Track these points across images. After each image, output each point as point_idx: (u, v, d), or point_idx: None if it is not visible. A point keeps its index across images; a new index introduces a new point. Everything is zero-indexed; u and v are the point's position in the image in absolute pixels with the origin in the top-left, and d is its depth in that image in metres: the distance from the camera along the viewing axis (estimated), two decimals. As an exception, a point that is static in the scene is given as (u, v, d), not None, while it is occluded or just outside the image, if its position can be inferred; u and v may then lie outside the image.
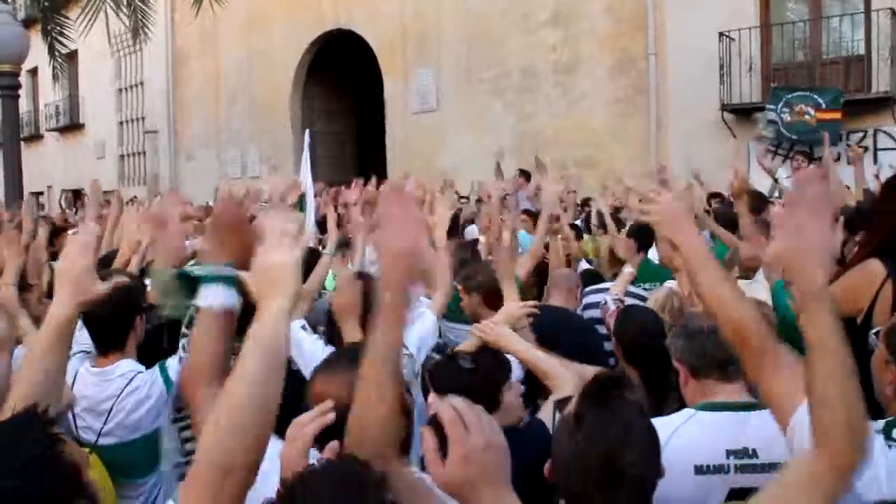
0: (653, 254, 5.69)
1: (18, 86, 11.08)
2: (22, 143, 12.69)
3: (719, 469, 2.49)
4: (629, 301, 4.45)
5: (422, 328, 3.69)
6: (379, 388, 1.70)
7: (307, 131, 8.26)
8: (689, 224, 2.36)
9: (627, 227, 6.14)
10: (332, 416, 1.72)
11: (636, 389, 2.69)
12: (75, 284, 2.09)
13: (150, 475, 3.30)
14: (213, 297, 1.96)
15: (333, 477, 1.37)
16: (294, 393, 1.96)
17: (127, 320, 3.24)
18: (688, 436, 2.52)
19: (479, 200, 9.77)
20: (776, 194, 8.59)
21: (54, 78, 15.87)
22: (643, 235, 5.57)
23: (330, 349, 3.45)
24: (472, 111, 15.93)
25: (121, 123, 26.12)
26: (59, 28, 14.00)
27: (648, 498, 1.80)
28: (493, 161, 10.38)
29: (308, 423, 1.75)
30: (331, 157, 19.71)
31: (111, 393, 3.12)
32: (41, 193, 22.59)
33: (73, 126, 28.45)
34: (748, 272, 4.86)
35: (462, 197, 10.55)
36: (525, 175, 9.97)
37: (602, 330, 4.27)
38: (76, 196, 21.00)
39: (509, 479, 1.48)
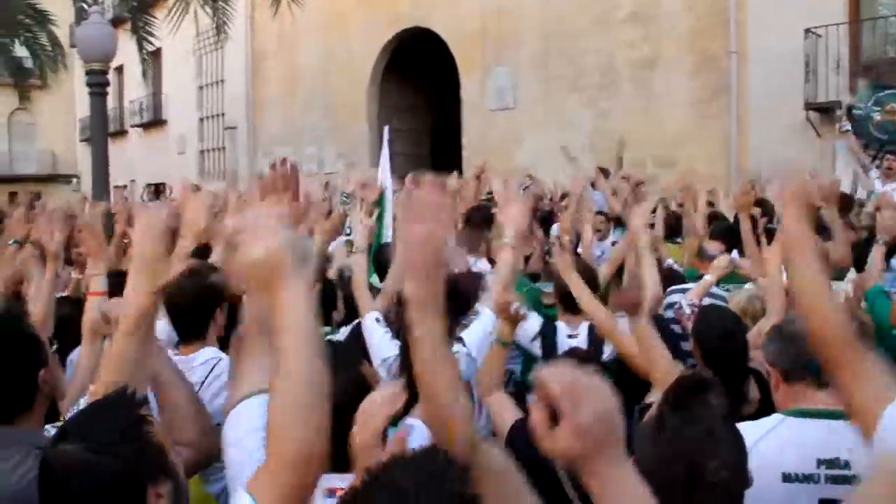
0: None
1: (107, 83, 11.36)
2: (108, 138, 13.06)
3: (808, 478, 2.42)
4: (707, 302, 4.36)
5: (480, 328, 3.65)
6: (430, 386, 1.66)
7: (386, 128, 8.25)
8: (797, 207, 2.25)
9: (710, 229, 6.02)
10: (405, 397, 1.68)
11: (721, 394, 2.63)
12: (150, 270, 2.11)
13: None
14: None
15: (417, 466, 1.35)
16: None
17: (208, 310, 3.31)
18: (776, 441, 2.45)
19: (562, 197, 9.71)
20: (864, 193, 8.32)
21: (144, 76, 16.30)
22: (729, 236, 5.46)
23: (395, 343, 3.47)
24: (550, 109, 15.82)
25: (201, 120, 26.72)
26: (146, 27, 14.37)
27: None
28: (569, 159, 10.26)
29: (382, 403, 1.70)
30: (407, 154, 19.77)
31: (195, 380, 3.16)
32: (124, 187, 23.19)
33: (155, 122, 29.26)
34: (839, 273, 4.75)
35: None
36: (604, 173, 9.83)
37: (677, 329, 4.20)
38: (158, 190, 21.51)
39: (622, 444, 1.41)
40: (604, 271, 5.20)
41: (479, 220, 5.98)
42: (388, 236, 5.98)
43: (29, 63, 19.75)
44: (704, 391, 1.87)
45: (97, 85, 11.00)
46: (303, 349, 1.60)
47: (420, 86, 20.50)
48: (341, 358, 1.84)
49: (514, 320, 3.40)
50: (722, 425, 1.81)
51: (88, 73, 10.80)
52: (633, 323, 3.31)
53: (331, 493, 1.85)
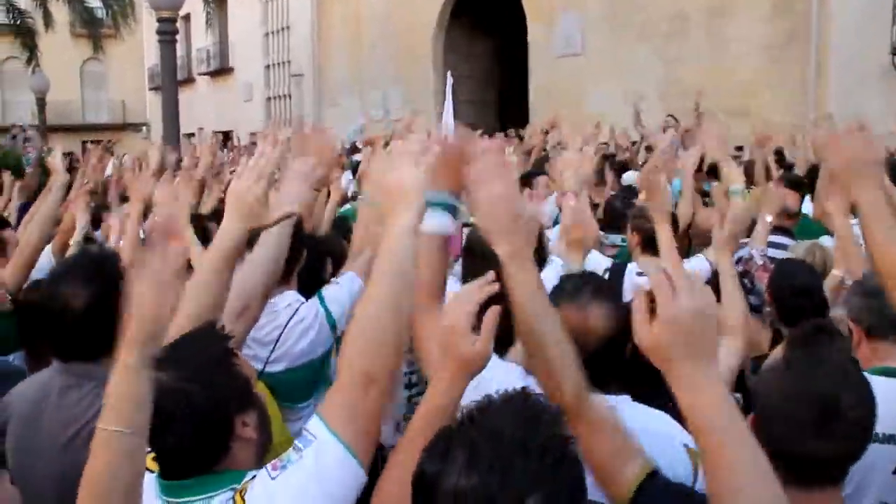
0: (807, 207, 5.42)
1: (176, 31, 11.46)
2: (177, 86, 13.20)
3: (889, 439, 2.36)
4: (771, 253, 4.27)
5: (553, 275, 3.62)
6: (538, 337, 1.71)
7: (448, 74, 8.18)
8: (871, 170, 2.22)
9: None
10: (496, 287, 1.66)
11: (844, 339, 2.57)
12: (246, 209, 2.14)
13: (309, 399, 3.44)
14: (432, 223, 1.96)
15: (513, 409, 1.35)
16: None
17: (293, 254, 3.35)
18: (859, 400, 2.39)
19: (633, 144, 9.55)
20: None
21: (207, 24, 16.41)
22: (800, 186, 5.31)
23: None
24: (618, 56, 15.49)
25: (267, 67, 26.86)
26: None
27: (864, 447, 1.73)
28: (636, 120, 10.07)
29: (473, 290, 1.67)
30: (473, 101, 19.64)
31: (278, 323, 3.23)
32: (192, 135, 23.51)
33: (222, 70, 29.50)
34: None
35: (603, 143, 10.31)
36: (675, 121, 9.63)
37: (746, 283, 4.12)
38: (226, 138, 21.76)
39: (715, 353, 1.41)
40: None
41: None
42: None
43: (101, 13, 20.05)
44: (830, 335, 1.84)
45: (167, 33, 11.12)
46: (394, 278, 1.67)
47: (486, 31, 20.25)
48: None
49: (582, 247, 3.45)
50: (851, 365, 1.78)
51: (159, 20, 10.91)
52: (717, 255, 3.20)
53: None
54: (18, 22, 19.38)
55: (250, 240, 2.31)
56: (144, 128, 35.66)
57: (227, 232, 2.15)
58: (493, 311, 1.60)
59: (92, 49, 21.99)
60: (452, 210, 2.03)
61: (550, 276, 3.54)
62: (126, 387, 1.68)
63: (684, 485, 1.80)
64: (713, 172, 5.86)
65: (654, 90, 14.54)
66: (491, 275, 1.65)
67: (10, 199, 6.80)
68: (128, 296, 1.66)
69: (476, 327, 1.63)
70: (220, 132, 24.22)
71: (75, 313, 2.40)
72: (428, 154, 1.80)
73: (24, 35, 19.39)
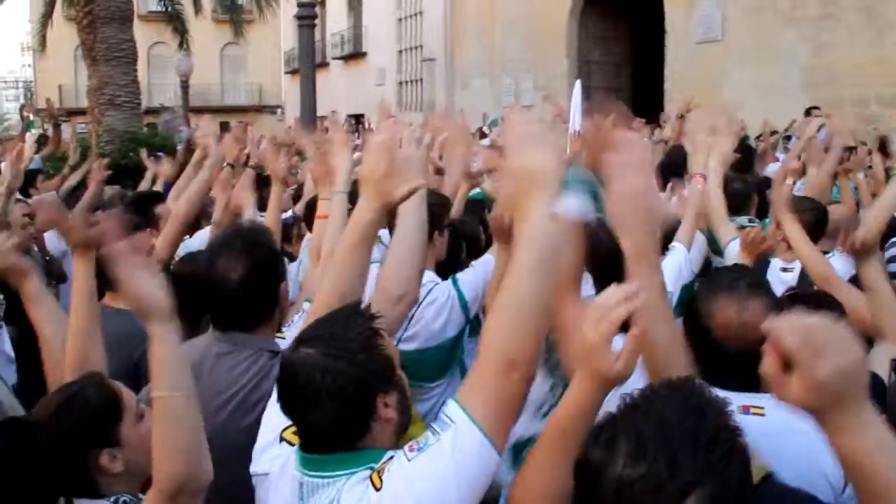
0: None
1: (315, 16, 11.73)
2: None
3: None
4: None
5: (674, 265, 3.52)
6: (651, 344, 1.68)
7: (577, 83, 8.04)
8: None
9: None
10: (640, 301, 1.56)
11: None
12: (376, 188, 2.16)
13: (439, 380, 3.49)
14: (572, 206, 1.93)
15: (679, 397, 1.33)
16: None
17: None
18: None
19: (758, 137, 9.18)
20: None
21: (351, 8, 16.67)
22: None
23: None
24: (760, 41, 14.87)
25: (400, 52, 27.16)
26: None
27: None
28: (779, 95, 9.64)
29: (618, 302, 1.56)
30: (606, 87, 19.32)
31: None
32: (325, 117, 24.06)
33: (356, 54, 30.03)
34: None
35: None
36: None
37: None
38: (358, 121, 22.17)
39: (867, 394, 1.29)
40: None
41: None
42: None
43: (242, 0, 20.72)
44: None
45: (306, 17, 11.37)
46: (536, 264, 1.64)
47: (622, 15, 19.84)
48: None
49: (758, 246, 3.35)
50: None
51: (299, 5, 11.18)
52: (861, 266, 3.05)
53: None
54: (170, 9, 20.28)
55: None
56: (279, 110, 36.74)
57: (361, 211, 2.19)
58: (638, 332, 1.52)
59: (232, 34, 22.75)
60: (593, 193, 2.00)
61: (671, 263, 3.46)
62: (162, 355, 1.83)
63: (802, 491, 1.71)
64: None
65: (799, 77, 13.92)
66: (636, 286, 1.57)
67: (154, 177, 7.09)
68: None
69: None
70: (352, 116, 24.75)
71: (233, 285, 2.49)
72: (559, 137, 1.77)
73: (175, 21, 20.27)
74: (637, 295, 1.54)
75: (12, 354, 3.90)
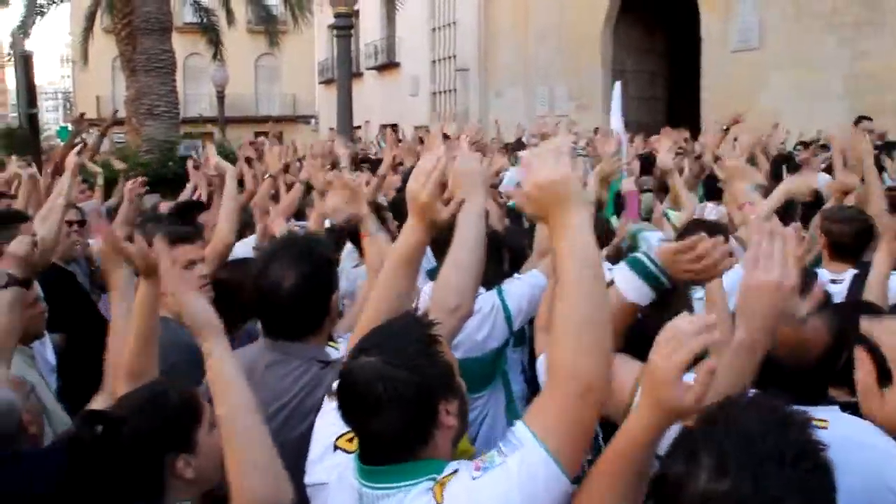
0: None
1: (351, 26, 11.79)
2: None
3: None
4: None
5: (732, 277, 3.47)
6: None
7: (617, 84, 8.00)
8: None
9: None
10: (717, 336, 1.50)
11: None
12: (423, 209, 2.15)
13: (482, 391, 3.45)
14: (631, 284, 1.97)
15: (762, 411, 1.30)
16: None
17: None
18: None
19: (803, 144, 9.06)
20: None
21: (384, 18, 16.74)
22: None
23: None
24: (800, 49, 14.72)
25: (433, 62, 27.23)
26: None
27: None
28: (819, 103, 9.52)
29: (693, 333, 1.49)
30: (641, 97, 19.22)
31: None
32: (359, 127, 24.16)
33: (389, 65, 30.15)
34: None
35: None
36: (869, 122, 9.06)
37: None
38: (393, 130, 22.23)
39: None
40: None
41: None
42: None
43: (277, 11, 20.89)
44: None
45: (343, 28, 11.43)
46: (584, 276, 1.61)
47: (657, 24, 19.77)
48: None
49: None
50: None
51: (336, 15, 11.23)
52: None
53: None
54: (204, 20, 20.51)
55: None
56: (313, 120, 36.94)
57: (407, 232, 2.19)
58: (711, 367, 1.46)
59: (267, 45, 22.93)
60: (654, 281, 1.99)
61: (730, 278, 3.39)
62: (221, 371, 1.87)
63: None
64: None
65: (841, 85, 13.75)
66: (712, 319, 1.51)
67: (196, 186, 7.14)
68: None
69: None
70: (386, 125, 24.80)
71: (285, 293, 2.47)
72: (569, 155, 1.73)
73: (210, 32, 20.50)
74: (714, 327, 1.49)
75: (54, 362, 3.92)
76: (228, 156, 13.06)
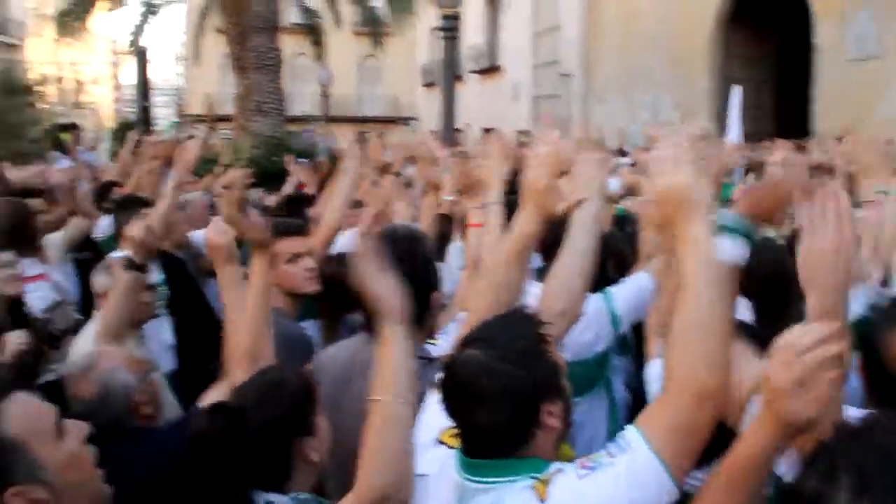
0: None
1: (456, 28, 11.83)
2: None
3: None
4: None
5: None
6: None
7: (737, 89, 7.77)
8: None
9: None
10: (843, 347, 1.44)
11: None
12: (538, 200, 2.15)
13: (584, 396, 3.36)
14: (727, 249, 1.86)
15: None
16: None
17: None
18: None
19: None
20: None
21: (488, 22, 16.72)
22: None
23: None
24: (921, 58, 14.11)
25: (535, 66, 27.13)
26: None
27: None
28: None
29: (812, 346, 1.42)
30: (748, 107, 18.67)
31: None
32: (459, 130, 24.27)
33: (491, 69, 30.19)
34: None
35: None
36: None
37: None
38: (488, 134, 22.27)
39: None
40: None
41: None
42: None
43: (382, 13, 21.10)
44: None
45: (448, 30, 11.48)
46: (707, 285, 1.58)
47: (767, 33, 19.19)
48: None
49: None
50: None
51: (443, 17, 11.29)
52: None
53: None
54: (310, 21, 20.94)
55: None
56: (413, 122, 37.30)
57: (522, 222, 2.18)
58: (837, 377, 1.41)
59: (372, 46, 23.26)
60: (747, 236, 1.91)
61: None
62: (386, 357, 1.88)
63: None
64: None
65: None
66: (835, 327, 1.45)
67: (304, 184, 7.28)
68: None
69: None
70: (487, 129, 24.84)
71: None
72: (699, 158, 1.70)
73: (314, 33, 20.92)
74: (840, 336, 1.43)
75: (172, 341, 4.06)
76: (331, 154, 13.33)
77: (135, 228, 3.22)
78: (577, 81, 24.34)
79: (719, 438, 1.59)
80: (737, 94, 7.39)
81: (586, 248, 2.26)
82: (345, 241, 4.19)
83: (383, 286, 1.92)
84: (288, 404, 2.03)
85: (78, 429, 1.53)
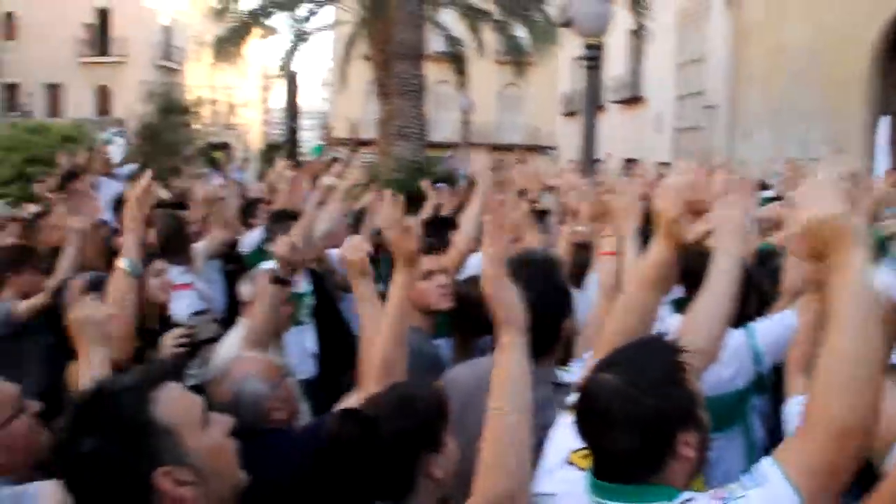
0: None
1: (599, 58, 11.73)
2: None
3: None
4: None
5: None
6: None
7: (885, 119, 7.42)
8: None
9: None
10: None
11: None
12: (669, 228, 2.12)
13: (721, 433, 3.20)
14: (886, 283, 1.81)
15: None
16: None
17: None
18: None
19: None
20: None
21: (631, 52, 16.55)
22: None
23: None
24: None
25: (679, 98, 26.64)
26: (643, 2, 14.63)
27: None
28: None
29: None
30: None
31: None
32: (598, 160, 24.02)
33: (633, 99, 29.85)
34: None
35: None
36: None
37: None
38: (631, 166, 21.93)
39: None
40: None
41: None
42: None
43: (524, 42, 21.26)
44: None
45: (591, 59, 11.39)
46: (860, 318, 1.52)
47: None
48: None
49: None
50: None
51: (586, 47, 11.23)
52: None
53: None
54: (453, 50, 21.32)
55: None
56: (553, 151, 37.23)
57: (654, 251, 2.15)
58: None
59: (513, 75, 23.42)
60: None
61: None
62: (503, 368, 1.89)
63: None
64: None
65: None
66: None
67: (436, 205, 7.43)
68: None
69: None
70: (627, 160, 24.54)
71: None
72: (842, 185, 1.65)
73: (457, 61, 21.29)
74: None
75: (315, 349, 4.20)
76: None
77: (280, 245, 3.36)
78: (721, 113, 23.72)
79: (864, 475, 1.53)
80: (884, 126, 7.04)
81: (727, 291, 2.21)
82: (476, 263, 4.25)
83: (507, 296, 1.95)
84: (418, 419, 2.06)
85: (223, 421, 1.61)
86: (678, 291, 3.23)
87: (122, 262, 2.85)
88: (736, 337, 3.19)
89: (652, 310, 2.19)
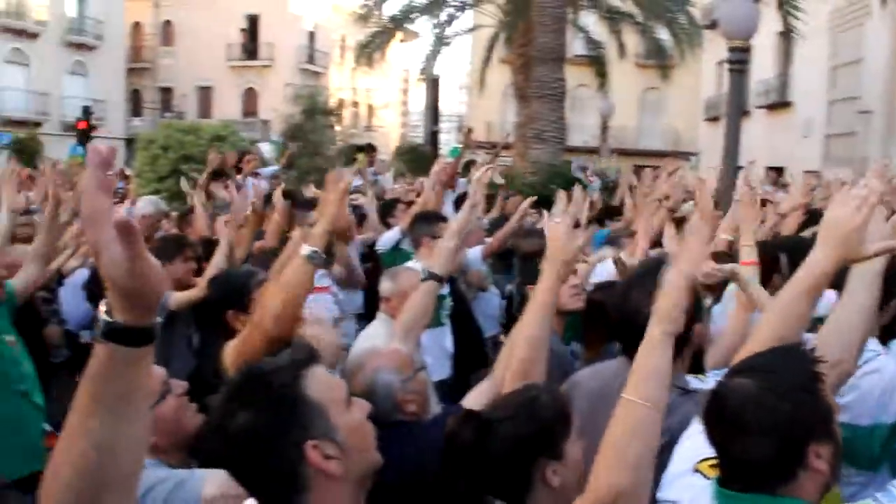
0: None
1: (746, 61, 11.35)
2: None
3: None
4: None
5: None
6: None
7: None
8: None
9: None
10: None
11: None
12: (840, 238, 2.02)
13: (863, 472, 2.94)
14: None
15: None
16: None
17: None
18: None
19: None
20: None
21: (780, 55, 15.98)
22: None
23: None
24: None
25: (831, 102, 25.49)
26: (793, 2, 14.10)
27: None
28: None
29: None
30: None
31: None
32: (741, 167, 23.21)
33: (781, 103, 28.78)
34: None
35: None
36: None
37: None
38: (778, 174, 21.13)
39: None
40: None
41: None
42: None
43: (667, 45, 20.85)
44: None
45: (737, 62, 11.05)
46: None
47: None
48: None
49: None
50: None
51: (731, 50, 10.90)
52: None
53: None
54: (594, 52, 21.13)
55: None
56: (694, 157, 36.29)
57: (817, 259, 2.06)
58: None
59: (658, 78, 23.00)
60: None
61: None
62: (647, 360, 1.87)
63: None
64: None
65: None
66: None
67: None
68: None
69: None
70: (771, 168, 23.68)
71: (643, 319, 2.47)
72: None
73: (598, 64, 21.08)
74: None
75: (452, 350, 4.30)
76: (608, 185, 13.33)
77: (442, 243, 3.51)
78: (877, 118, 22.54)
79: None
80: None
81: (866, 304, 2.14)
82: (605, 270, 4.25)
83: (678, 294, 1.92)
84: (537, 424, 2.06)
85: (363, 404, 1.72)
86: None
87: (304, 250, 2.97)
88: (891, 361, 2.96)
89: (806, 319, 2.12)
